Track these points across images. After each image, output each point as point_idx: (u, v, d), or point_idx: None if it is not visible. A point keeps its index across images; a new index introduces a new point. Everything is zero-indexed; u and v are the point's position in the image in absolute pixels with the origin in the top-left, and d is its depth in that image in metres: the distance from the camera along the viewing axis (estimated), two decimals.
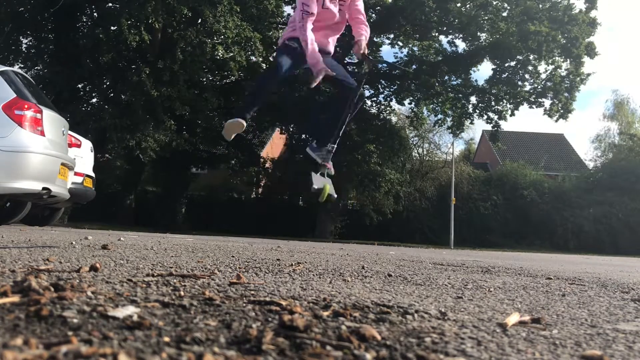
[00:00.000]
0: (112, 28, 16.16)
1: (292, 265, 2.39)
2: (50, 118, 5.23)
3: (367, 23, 4.36)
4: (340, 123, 4.11)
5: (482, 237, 22.03)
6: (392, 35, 22.11)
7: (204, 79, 19.37)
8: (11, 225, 6.76)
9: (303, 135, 22.93)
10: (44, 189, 4.85)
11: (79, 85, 18.95)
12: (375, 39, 22.52)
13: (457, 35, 21.22)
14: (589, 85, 75.73)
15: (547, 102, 20.84)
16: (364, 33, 4.29)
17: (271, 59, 22.64)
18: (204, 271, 1.76)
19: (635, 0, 55.80)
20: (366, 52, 4.39)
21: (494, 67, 21.08)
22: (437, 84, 20.91)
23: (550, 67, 20.74)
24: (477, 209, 23.30)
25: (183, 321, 0.87)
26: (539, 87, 20.94)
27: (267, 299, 1.15)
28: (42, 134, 4.98)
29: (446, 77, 21.45)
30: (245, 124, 3.84)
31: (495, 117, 21.58)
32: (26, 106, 4.87)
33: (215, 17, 16.13)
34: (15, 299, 0.92)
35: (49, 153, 5.00)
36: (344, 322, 0.94)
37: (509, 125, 35.72)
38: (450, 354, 0.77)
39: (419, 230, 22.30)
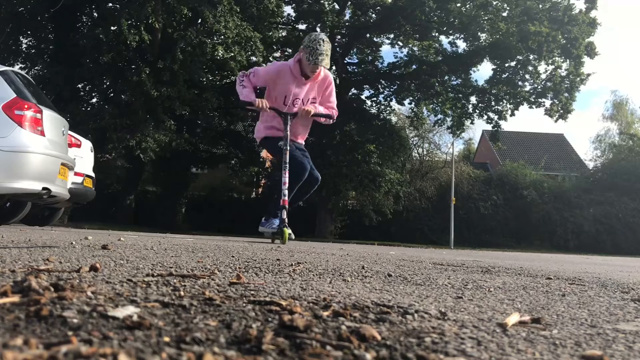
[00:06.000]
0: (112, 28, 16.15)
1: (292, 265, 2.39)
2: (50, 118, 5.23)
3: (336, 110, 5.13)
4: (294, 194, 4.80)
5: (482, 237, 22.04)
6: (392, 35, 22.12)
7: (204, 79, 19.36)
8: (11, 225, 6.76)
9: None
10: (44, 189, 4.85)
11: (79, 85, 18.95)
12: (375, 39, 22.53)
13: (457, 36, 21.24)
14: (589, 85, 75.83)
15: (547, 102, 20.86)
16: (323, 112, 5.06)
17: (271, 59, 22.69)
18: (204, 271, 1.76)
19: (635, 0, 55.83)
20: (309, 115, 4.94)
21: (494, 67, 21.09)
22: (437, 84, 20.91)
23: (550, 68, 20.76)
24: (477, 209, 23.29)
25: (183, 321, 0.87)
26: (539, 87, 20.95)
27: (267, 299, 1.15)
28: (42, 134, 4.98)
29: (446, 77, 21.46)
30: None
31: (495, 117, 21.60)
32: (26, 106, 4.87)
33: (215, 17, 16.13)
34: (15, 299, 0.92)
35: (49, 153, 5.01)
36: (344, 322, 0.94)
37: (509, 125, 35.77)
38: (450, 354, 0.77)
39: (419, 230, 22.31)
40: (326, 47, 4.63)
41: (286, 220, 4.70)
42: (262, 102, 4.56)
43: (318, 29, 22.02)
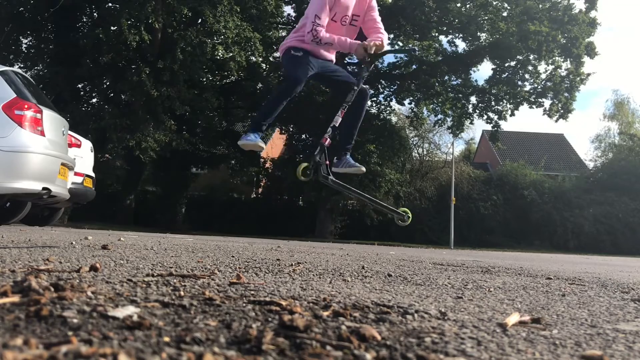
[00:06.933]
0: (112, 28, 16.16)
1: (292, 265, 2.39)
2: (50, 118, 5.23)
3: (384, 32, 4.23)
4: (349, 126, 4.12)
5: (482, 237, 22.04)
6: (392, 35, 22.11)
7: (204, 79, 19.36)
8: (11, 225, 6.76)
9: (303, 135, 22.93)
10: (44, 189, 4.85)
11: (79, 85, 18.96)
12: None
13: (457, 35, 21.23)
14: (589, 85, 75.82)
15: (547, 102, 20.86)
16: (380, 36, 4.18)
17: (271, 59, 22.72)
18: (204, 271, 1.76)
19: (635, 0, 55.83)
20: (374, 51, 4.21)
21: (494, 67, 21.09)
22: (437, 84, 20.91)
23: (550, 67, 20.76)
24: (477, 209, 23.29)
25: (183, 321, 0.87)
26: (539, 87, 20.95)
27: (267, 299, 1.15)
28: (42, 134, 4.98)
29: (446, 77, 21.45)
30: (264, 145, 3.86)
31: (495, 117, 21.60)
32: (26, 106, 4.87)
33: (215, 17, 16.14)
34: (15, 299, 0.92)
35: (49, 153, 5.01)
36: (344, 322, 0.94)
37: (509, 125, 35.77)
38: (450, 354, 0.77)
39: (419, 230, 22.30)
40: None
41: (317, 156, 4.03)
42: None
43: None
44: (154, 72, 16.30)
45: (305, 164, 3.73)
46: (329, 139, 3.97)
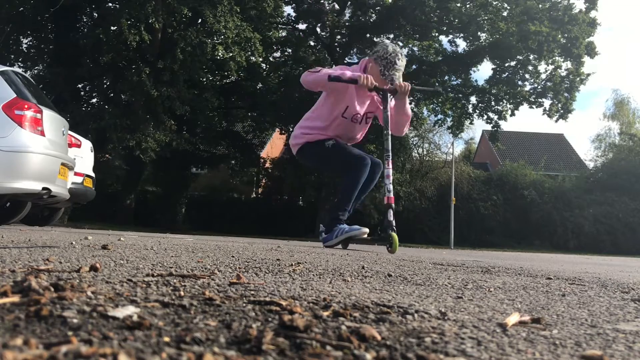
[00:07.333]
0: (112, 28, 16.18)
1: (292, 265, 2.39)
2: (50, 118, 5.24)
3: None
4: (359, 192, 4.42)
5: (482, 237, 22.03)
6: (392, 35, 22.13)
7: (204, 79, 19.37)
8: (11, 225, 6.76)
9: None
10: (44, 189, 4.85)
11: (79, 86, 18.98)
12: (375, 38, 22.55)
13: (457, 35, 21.25)
14: (589, 85, 75.85)
15: (547, 102, 20.88)
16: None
17: (271, 59, 22.72)
18: (204, 271, 1.76)
19: (635, 0, 55.83)
20: (408, 92, 4.46)
21: (494, 67, 21.10)
22: (437, 84, 20.92)
23: (550, 67, 20.77)
24: (477, 209, 23.29)
25: (183, 321, 0.87)
26: (539, 87, 20.97)
27: (267, 299, 1.15)
28: (42, 134, 4.98)
29: (446, 77, 21.47)
30: (367, 229, 4.24)
31: (495, 117, 21.61)
32: (26, 106, 4.87)
33: (215, 17, 16.15)
34: (15, 299, 0.92)
35: (49, 153, 5.01)
36: (344, 322, 0.94)
37: (509, 125, 35.82)
38: (450, 354, 0.76)
39: (419, 230, 22.30)
40: (403, 62, 4.06)
41: (394, 223, 3.91)
42: (368, 79, 3.82)
43: (318, 29, 22.02)
44: (154, 72, 16.31)
45: (394, 234, 3.96)
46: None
